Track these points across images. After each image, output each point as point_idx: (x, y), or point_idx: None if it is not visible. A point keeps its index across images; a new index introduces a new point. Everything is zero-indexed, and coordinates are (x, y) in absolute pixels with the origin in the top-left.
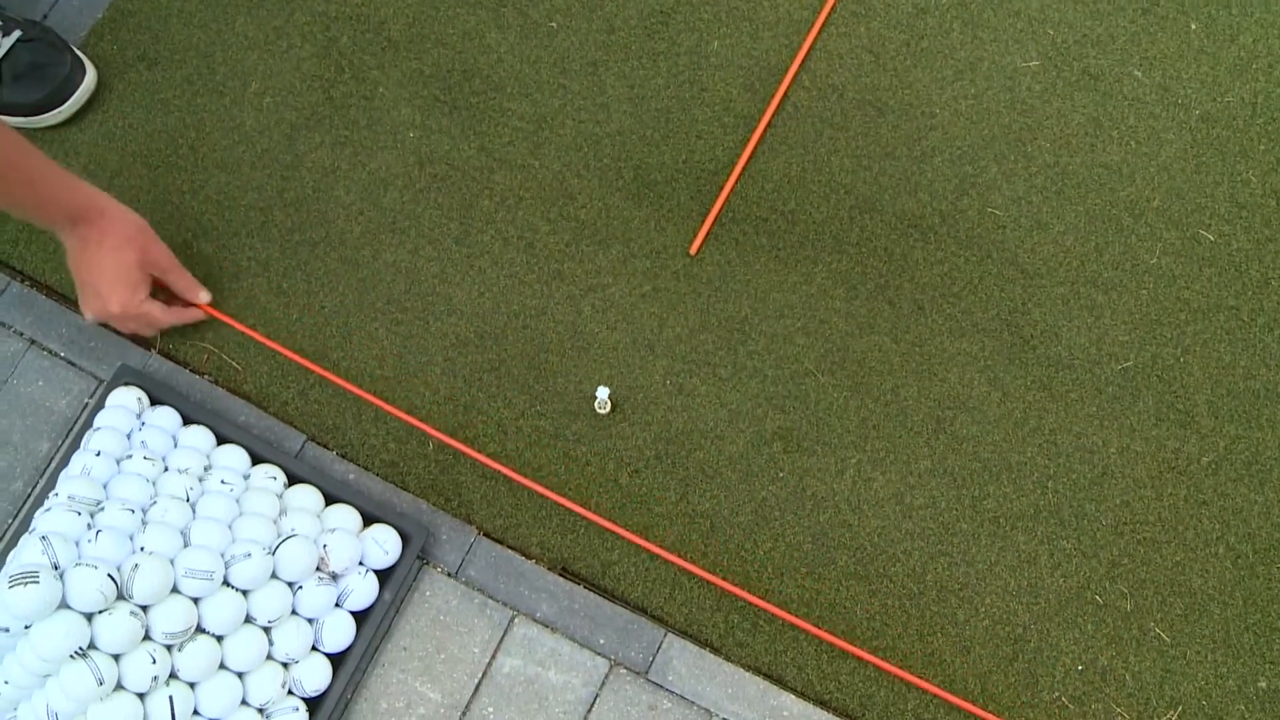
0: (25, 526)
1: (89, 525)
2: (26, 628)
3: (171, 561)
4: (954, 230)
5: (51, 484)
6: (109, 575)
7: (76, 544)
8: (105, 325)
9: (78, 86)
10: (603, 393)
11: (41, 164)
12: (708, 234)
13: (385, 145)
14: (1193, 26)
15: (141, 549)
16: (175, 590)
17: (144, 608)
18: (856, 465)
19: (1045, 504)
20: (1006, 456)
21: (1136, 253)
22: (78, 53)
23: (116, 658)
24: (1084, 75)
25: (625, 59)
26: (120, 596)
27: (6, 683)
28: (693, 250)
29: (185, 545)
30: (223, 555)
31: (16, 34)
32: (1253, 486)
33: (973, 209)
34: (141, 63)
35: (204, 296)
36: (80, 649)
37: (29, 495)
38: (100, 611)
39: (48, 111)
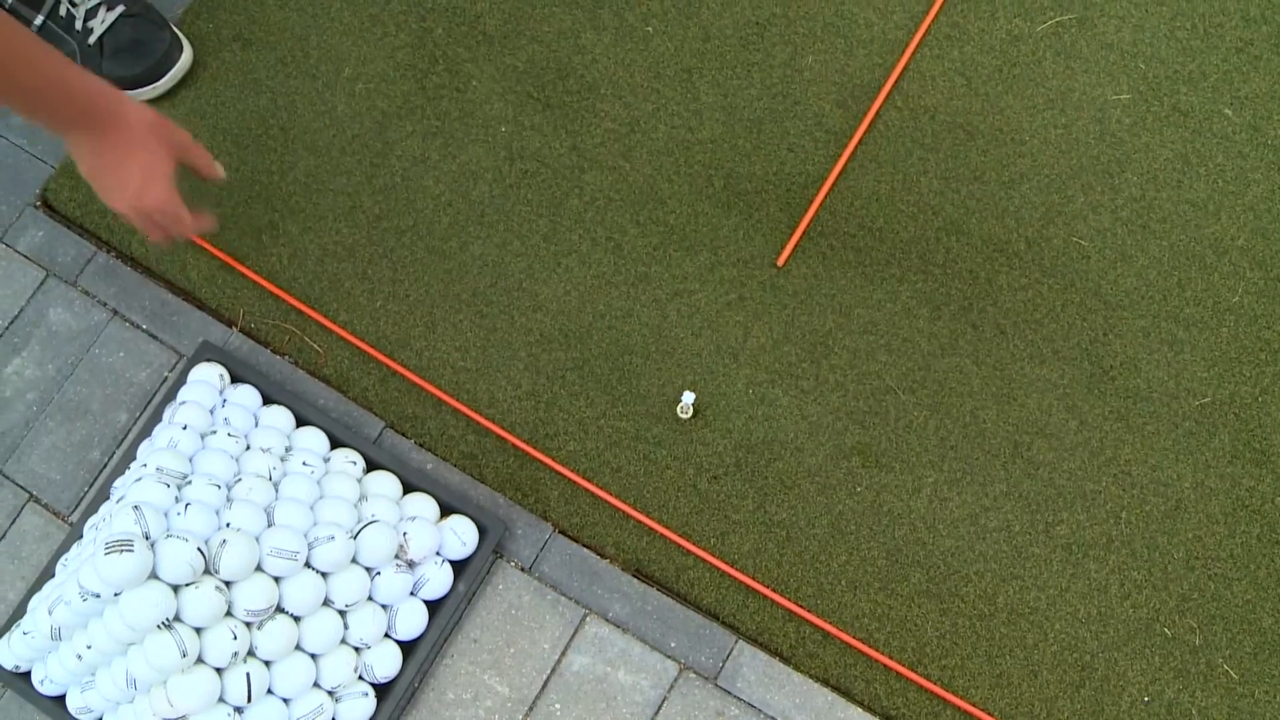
0: (104, 495)
1: (176, 498)
2: (116, 595)
3: (256, 539)
4: (1039, 257)
5: (129, 454)
6: (198, 549)
7: (165, 515)
8: (126, 221)
9: (174, 63)
10: (688, 397)
11: (46, 52)
12: (795, 247)
13: (476, 138)
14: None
15: (228, 525)
16: (259, 568)
17: (228, 583)
18: (933, 484)
19: (1118, 534)
20: (1081, 484)
21: (1219, 290)
22: (175, 30)
23: (199, 631)
24: (1174, 111)
25: (720, 68)
26: (207, 571)
27: (89, 647)
28: (780, 262)
29: (269, 524)
30: (305, 536)
31: (120, 9)
32: None
33: (1058, 237)
34: (236, 42)
35: (220, 170)
36: (166, 620)
37: (105, 464)
38: (187, 584)
39: (144, 86)
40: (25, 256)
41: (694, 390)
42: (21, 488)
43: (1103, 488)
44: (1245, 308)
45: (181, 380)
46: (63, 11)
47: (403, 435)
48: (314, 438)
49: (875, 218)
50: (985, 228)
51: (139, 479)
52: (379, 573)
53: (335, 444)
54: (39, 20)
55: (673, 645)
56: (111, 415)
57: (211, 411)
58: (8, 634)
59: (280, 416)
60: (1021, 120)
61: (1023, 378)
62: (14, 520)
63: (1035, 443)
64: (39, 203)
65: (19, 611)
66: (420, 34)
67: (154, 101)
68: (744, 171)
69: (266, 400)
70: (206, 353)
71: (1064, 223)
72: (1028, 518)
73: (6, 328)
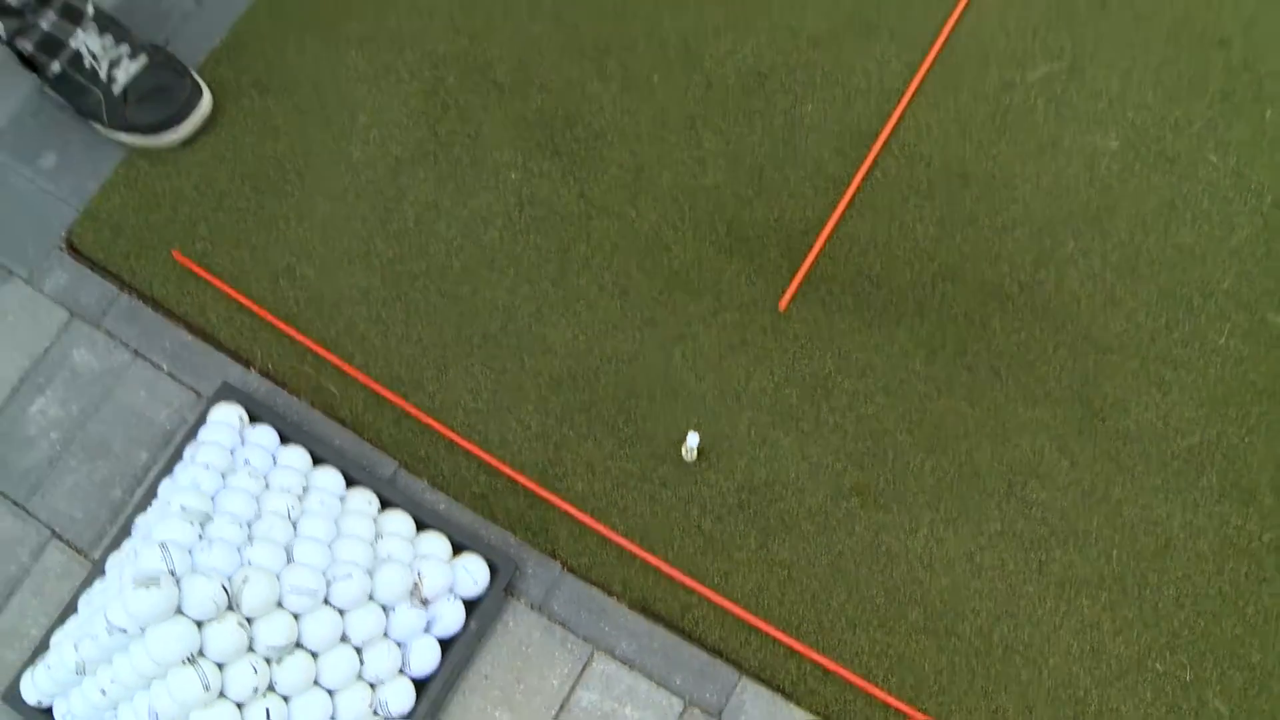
0: (125, 532)
1: (200, 536)
2: (142, 630)
3: (277, 577)
4: (1031, 300)
5: (150, 493)
6: (222, 585)
7: (190, 553)
8: None
9: (195, 109)
10: (693, 439)
11: None
12: (796, 291)
13: (487, 185)
14: (1268, 114)
15: (249, 563)
16: (280, 605)
17: (250, 620)
18: (930, 524)
19: (1109, 572)
20: (1074, 523)
21: (1205, 333)
22: (196, 77)
23: (221, 666)
24: (1161, 157)
25: (723, 116)
26: (230, 607)
27: (113, 682)
28: (781, 307)
29: (289, 561)
30: (324, 574)
31: (143, 59)
32: None
33: (1050, 281)
34: (255, 89)
35: None
36: (191, 655)
37: (127, 502)
38: (211, 620)
39: (165, 131)
40: (50, 298)
41: (698, 431)
42: (44, 525)
43: (1094, 527)
44: (1231, 350)
45: (202, 420)
46: (86, 64)
47: (416, 475)
48: (330, 477)
49: (873, 263)
50: (979, 272)
51: (164, 518)
52: (394, 610)
53: (351, 483)
54: (56, 68)
55: (678, 682)
56: (133, 454)
57: (231, 451)
58: (31, 669)
59: (298, 456)
60: (1014, 167)
61: (1016, 419)
62: (37, 557)
63: (1029, 483)
64: (64, 245)
65: (42, 646)
66: (433, 82)
67: (175, 146)
68: (746, 217)
69: (284, 440)
70: (226, 393)
71: (1055, 267)
72: (1022, 556)
73: (32, 368)
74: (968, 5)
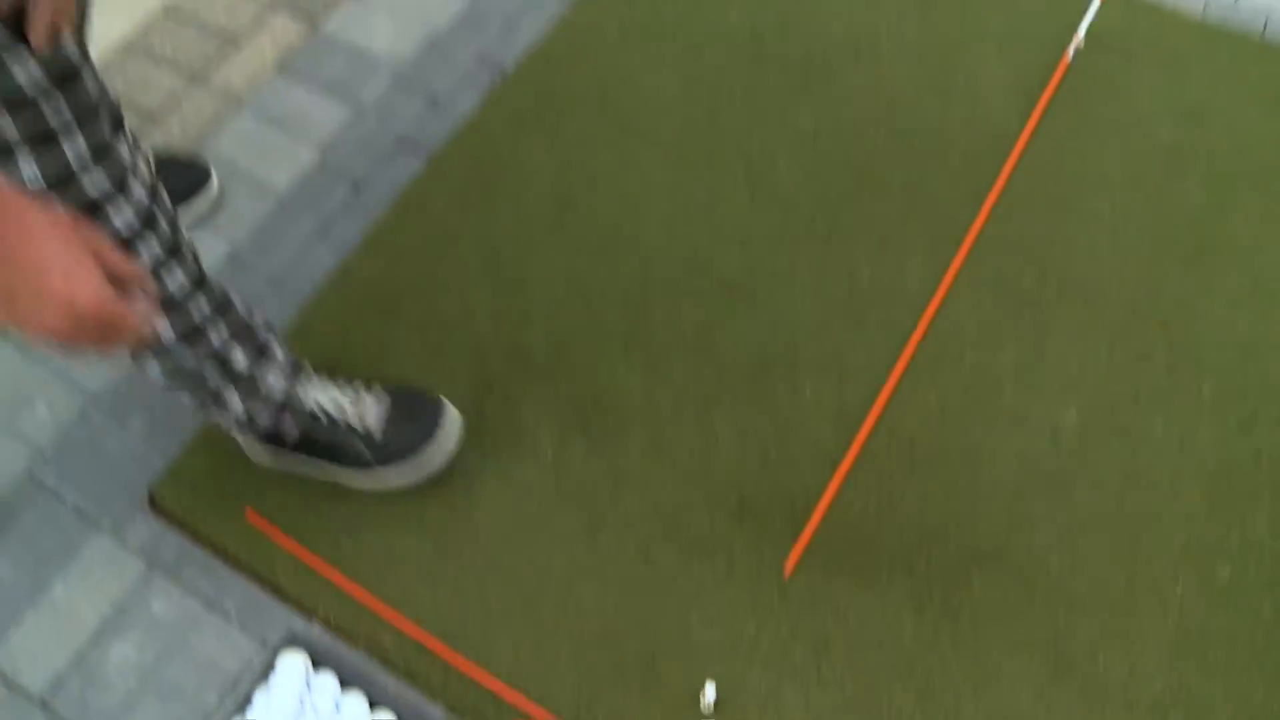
0: None
1: None
2: None
3: None
4: (1006, 561)
5: None
6: None
7: None
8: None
9: (445, 417)
10: (710, 692)
11: None
12: (798, 560)
13: (526, 458)
14: (1205, 389)
15: None
16: None
17: None
18: None
19: None
20: None
21: (1163, 586)
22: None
23: None
24: (1115, 428)
25: (733, 400)
26: None
27: None
28: (786, 573)
29: None
30: None
31: (377, 389)
32: None
33: (1021, 543)
34: (317, 367)
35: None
36: None
37: None
38: None
39: (427, 444)
40: (132, 551)
41: (714, 683)
42: None
43: None
44: (1187, 601)
45: (269, 666)
46: (335, 416)
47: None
48: None
49: (866, 530)
50: (960, 536)
51: None
52: None
53: None
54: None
55: None
56: (203, 697)
57: (300, 699)
58: None
59: (357, 703)
60: (986, 441)
61: (997, 669)
62: None
63: None
64: (146, 502)
65: None
66: (479, 364)
67: None
68: (754, 490)
69: (344, 684)
70: (291, 641)
71: (1027, 529)
72: None
73: (113, 615)
74: (945, 298)
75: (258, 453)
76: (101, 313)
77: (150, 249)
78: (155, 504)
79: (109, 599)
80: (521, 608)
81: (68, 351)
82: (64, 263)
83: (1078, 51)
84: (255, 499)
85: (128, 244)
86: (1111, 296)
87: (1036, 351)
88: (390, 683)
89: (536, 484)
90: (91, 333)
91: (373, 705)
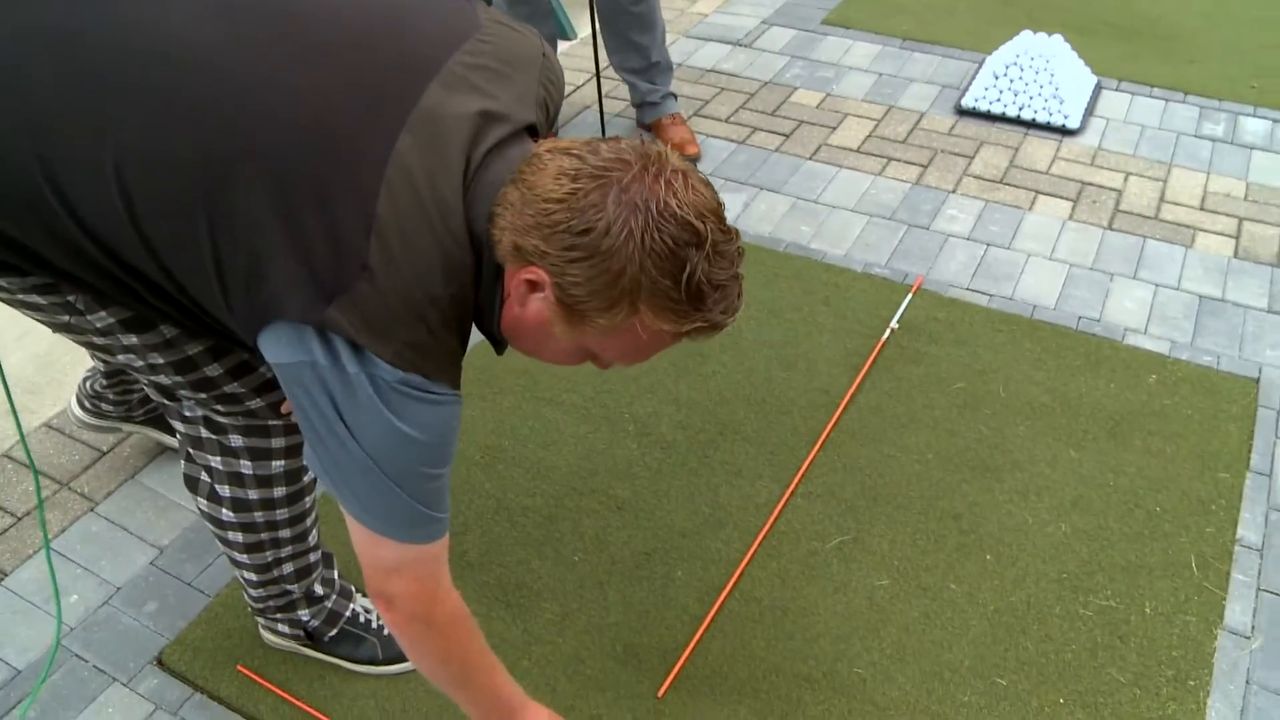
0: None
1: None
2: None
3: None
4: (831, 683)
5: None
6: None
7: None
8: None
9: None
10: None
11: (493, 658)
12: (669, 686)
13: None
14: (988, 557)
15: None
16: None
17: None
18: None
19: None
20: None
21: (955, 694)
22: None
23: None
24: (918, 587)
25: (622, 580)
26: None
27: None
28: (659, 695)
29: None
30: None
31: None
32: None
33: (844, 669)
34: None
35: None
36: None
37: None
38: None
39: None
40: (142, 696)
41: None
42: None
43: None
44: (972, 704)
45: None
46: (361, 619)
47: None
48: None
49: (722, 665)
50: (795, 667)
51: None
52: None
53: None
54: (334, 632)
55: None
56: None
57: None
58: None
59: None
60: (817, 600)
61: None
62: None
63: None
64: (156, 661)
65: None
66: None
67: None
68: (637, 642)
69: None
70: None
71: (847, 660)
72: None
73: None
74: (785, 506)
75: (277, 640)
76: None
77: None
78: (163, 664)
79: None
80: None
81: None
82: None
83: (892, 334)
84: (246, 658)
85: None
86: (915, 500)
87: (856, 540)
88: None
89: None
90: None
91: None
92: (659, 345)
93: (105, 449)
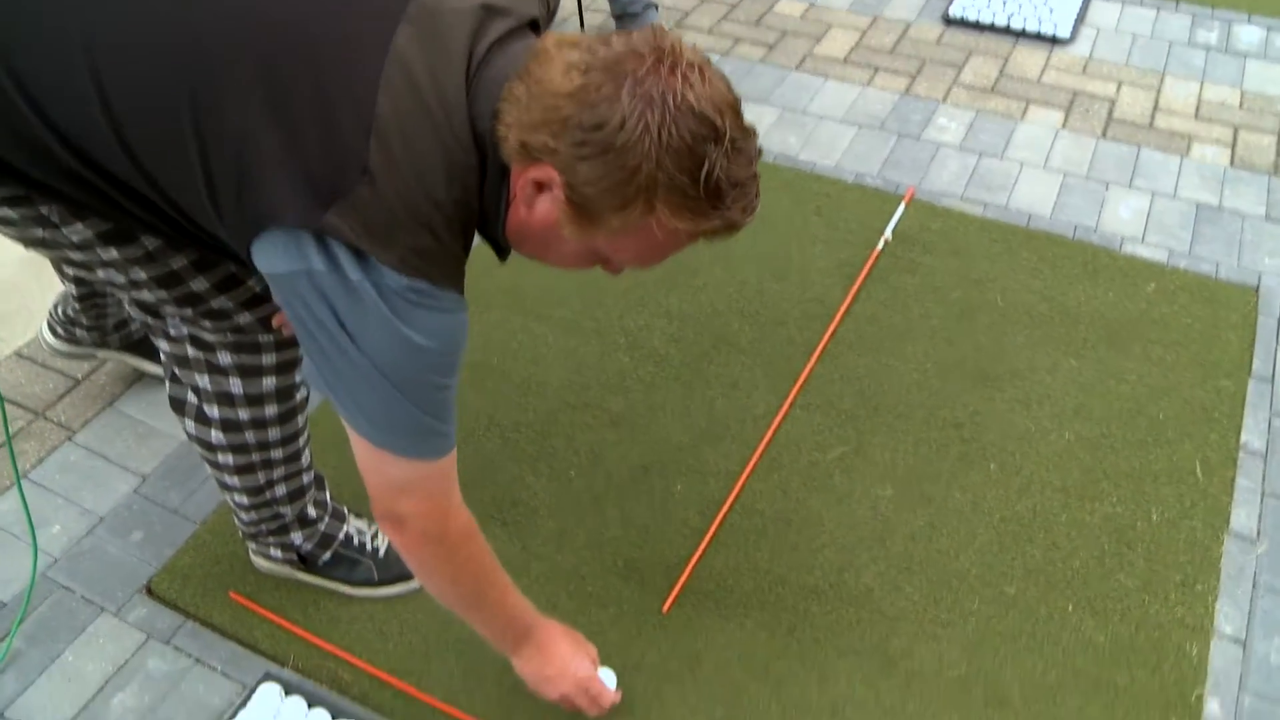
0: None
1: None
2: None
3: None
4: (838, 593)
5: None
6: None
7: None
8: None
9: None
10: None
11: (505, 577)
12: (674, 600)
13: None
14: (992, 466)
15: None
16: None
17: None
18: None
19: None
20: None
21: (963, 602)
22: None
23: None
24: (922, 497)
25: (620, 495)
26: None
27: None
28: (664, 610)
29: None
30: None
31: None
32: None
33: (850, 580)
34: None
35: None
36: None
37: None
38: None
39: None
40: (132, 625)
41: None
42: None
43: None
44: (981, 612)
45: (248, 697)
46: (355, 541)
47: None
48: None
49: (727, 579)
50: (801, 579)
51: None
52: None
53: None
54: (328, 556)
55: None
56: None
57: (274, 714)
58: None
59: (322, 716)
60: (821, 511)
61: (834, 669)
62: None
63: (846, 708)
64: (145, 590)
65: None
66: None
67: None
68: (638, 557)
69: (310, 705)
70: (267, 679)
71: (854, 571)
72: None
73: (114, 673)
74: (784, 419)
75: (270, 566)
76: (591, 688)
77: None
78: (152, 592)
79: (112, 662)
80: (454, 645)
81: (568, 708)
82: (578, 662)
83: (886, 245)
84: (237, 584)
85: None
86: (915, 410)
87: (858, 450)
88: (349, 705)
89: None
90: (583, 699)
91: (335, 718)
92: (675, 245)
93: (80, 377)
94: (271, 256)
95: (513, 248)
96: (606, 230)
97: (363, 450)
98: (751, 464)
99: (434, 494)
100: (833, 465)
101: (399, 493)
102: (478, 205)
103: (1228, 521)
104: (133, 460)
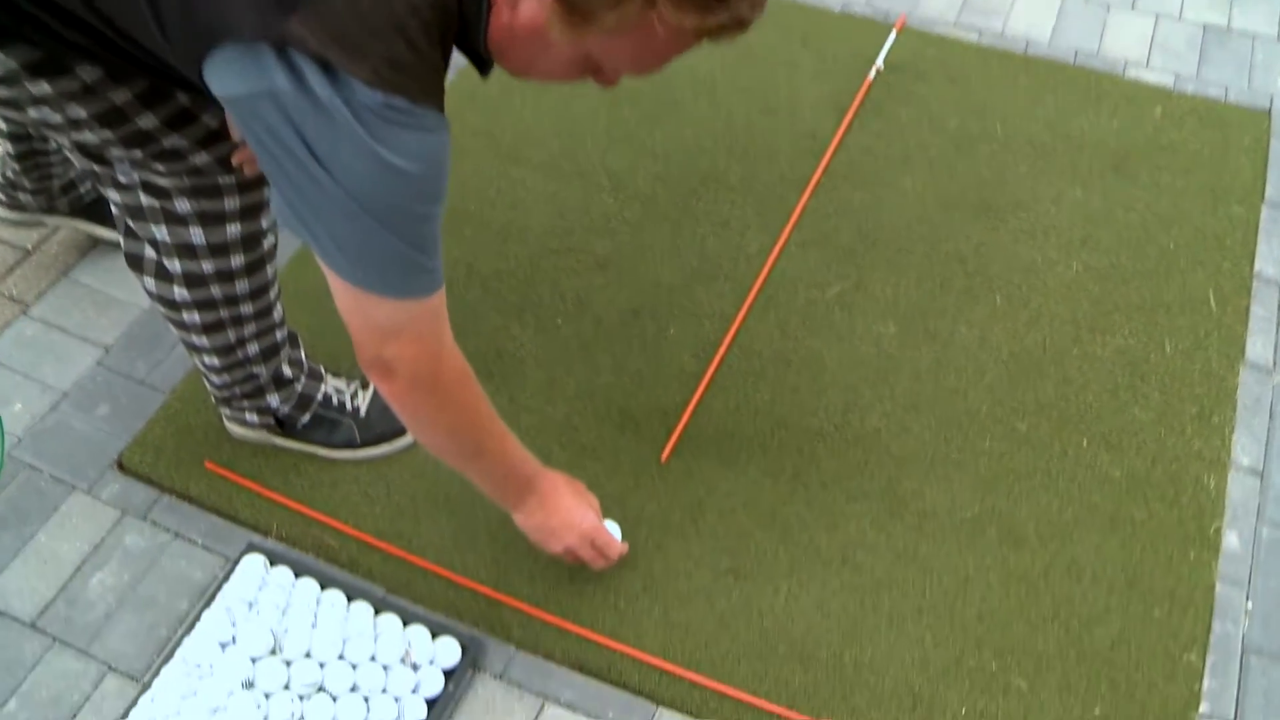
0: (167, 657)
1: (249, 610)
2: (211, 666)
3: (308, 639)
4: (844, 435)
5: (192, 625)
6: (270, 630)
7: (244, 615)
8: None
9: None
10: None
11: (502, 424)
12: (672, 449)
13: None
14: (998, 299)
15: (286, 630)
16: (308, 655)
17: (289, 663)
18: (787, 588)
19: (925, 605)
20: (893, 575)
21: (974, 441)
22: None
23: (268, 697)
24: (927, 333)
25: (610, 341)
26: (273, 650)
27: None
28: (663, 459)
29: (314, 626)
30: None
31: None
32: (1072, 581)
33: (856, 421)
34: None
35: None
36: (247, 681)
37: (170, 639)
38: (261, 658)
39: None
40: (105, 503)
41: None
42: (102, 662)
43: (910, 576)
44: (993, 449)
45: (233, 568)
46: (334, 401)
47: (400, 596)
48: (336, 596)
49: (727, 424)
50: (804, 421)
51: (225, 606)
52: (391, 670)
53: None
54: (307, 418)
55: (610, 715)
56: (175, 603)
57: (258, 589)
58: None
59: (310, 584)
60: (822, 351)
61: (842, 513)
62: (96, 686)
63: (857, 553)
64: (116, 465)
65: None
66: None
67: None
68: (633, 404)
69: (297, 574)
70: (251, 548)
71: (859, 411)
72: (858, 601)
73: (91, 552)
74: (779, 254)
75: (245, 432)
76: (598, 539)
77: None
78: (124, 467)
79: (87, 541)
80: (445, 505)
81: (570, 561)
82: (582, 512)
83: (879, 75)
84: (213, 454)
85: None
86: (916, 244)
87: (858, 287)
88: (337, 572)
89: None
90: (588, 550)
91: (323, 588)
92: (676, 47)
93: (31, 247)
94: (227, 77)
95: (496, 60)
96: (601, 29)
97: (342, 293)
98: (747, 304)
99: (423, 336)
100: (832, 303)
101: (385, 337)
102: (456, 8)
103: (1243, 351)
104: (93, 331)
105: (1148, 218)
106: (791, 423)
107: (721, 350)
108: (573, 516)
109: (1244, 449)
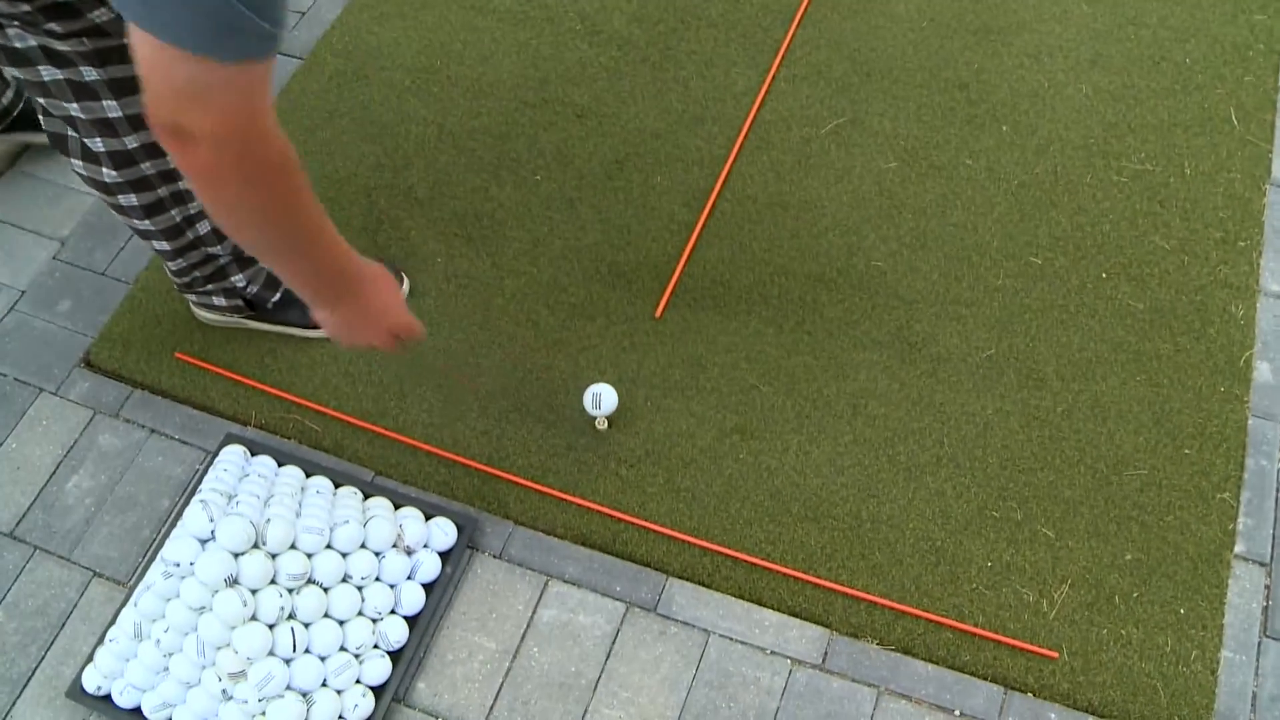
0: (152, 559)
1: (229, 500)
2: (191, 564)
3: (293, 524)
4: (848, 279)
5: (175, 522)
6: (250, 522)
7: (223, 509)
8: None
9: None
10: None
11: (331, 224)
12: (666, 303)
13: (420, 269)
14: (1004, 128)
15: (269, 519)
16: (295, 546)
17: (274, 555)
18: (797, 444)
19: (944, 454)
20: (909, 425)
21: (986, 278)
22: None
23: (254, 592)
24: (930, 167)
25: (594, 194)
26: (257, 544)
27: (167, 630)
28: (657, 314)
29: (299, 516)
30: (328, 522)
31: None
32: (1097, 422)
33: (860, 264)
34: None
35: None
36: (230, 577)
37: (154, 539)
38: (244, 553)
39: None
40: (75, 402)
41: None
42: (86, 568)
43: (926, 424)
44: (1007, 286)
45: (212, 460)
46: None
47: (390, 478)
48: (322, 482)
49: (723, 274)
50: (805, 267)
51: (201, 500)
52: (384, 556)
53: (338, 487)
54: (277, 296)
55: (618, 590)
56: (156, 503)
57: (240, 478)
58: (90, 663)
59: (294, 472)
60: (820, 191)
61: (851, 361)
62: (82, 593)
63: (869, 403)
64: (83, 363)
65: (92, 656)
66: (368, 206)
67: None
68: (622, 259)
69: (280, 463)
70: (230, 439)
71: (863, 254)
72: (872, 454)
73: (65, 455)
74: (768, 91)
75: (214, 317)
76: (407, 329)
77: None
78: (91, 364)
79: (60, 444)
80: (430, 382)
81: (373, 349)
82: (394, 301)
83: None
84: (182, 344)
85: None
86: (914, 73)
87: (854, 122)
88: (323, 459)
89: (432, 285)
90: (392, 341)
91: (309, 475)
92: None
93: None
94: None
95: None
96: None
97: (141, 42)
98: (737, 146)
99: (233, 108)
100: (828, 139)
101: (184, 100)
102: None
103: (1269, 170)
104: (47, 225)
105: (1161, 32)
106: (792, 269)
107: (713, 197)
108: (388, 311)
109: (1273, 274)
